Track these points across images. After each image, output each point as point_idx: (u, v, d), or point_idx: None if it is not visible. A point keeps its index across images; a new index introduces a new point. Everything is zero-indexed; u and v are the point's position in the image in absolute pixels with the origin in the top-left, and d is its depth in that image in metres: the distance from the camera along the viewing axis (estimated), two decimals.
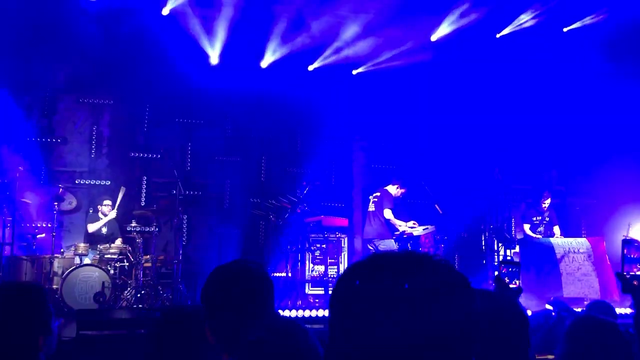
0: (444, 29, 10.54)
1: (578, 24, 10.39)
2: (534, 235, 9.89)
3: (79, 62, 9.70)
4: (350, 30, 10.47)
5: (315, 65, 11.05)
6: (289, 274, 9.10)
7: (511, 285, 2.80)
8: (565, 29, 10.54)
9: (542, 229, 9.93)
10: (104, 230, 8.99)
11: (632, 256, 2.26)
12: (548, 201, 9.92)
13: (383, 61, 11.05)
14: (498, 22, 10.49)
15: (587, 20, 10.21)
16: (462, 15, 10.19)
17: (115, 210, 9.09)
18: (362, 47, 10.71)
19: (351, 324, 1.01)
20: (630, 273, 2.28)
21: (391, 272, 1.02)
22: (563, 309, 6.27)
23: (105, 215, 9.06)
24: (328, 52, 10.82)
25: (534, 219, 10.02)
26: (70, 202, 9.42)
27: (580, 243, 9.15)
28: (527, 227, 10.09)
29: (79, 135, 10.17)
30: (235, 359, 1.79)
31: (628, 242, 2.30)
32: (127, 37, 9.51)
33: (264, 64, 10.82)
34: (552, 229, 9.90)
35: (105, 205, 9.10)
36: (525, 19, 10.24)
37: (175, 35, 9.82)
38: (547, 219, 9.97)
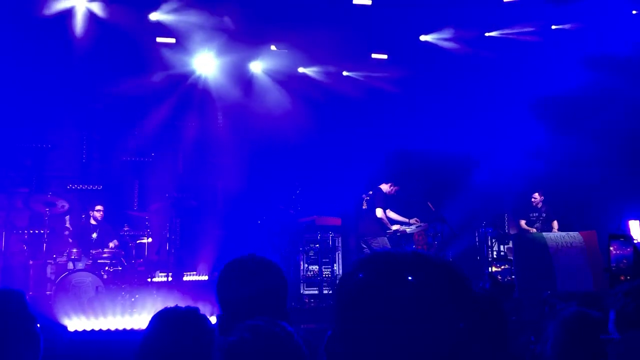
0: (433, 35, 10.59)
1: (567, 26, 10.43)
2: (529, 229, 9.94)
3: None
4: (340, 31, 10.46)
5: (306, 67, 11.06)
6: None
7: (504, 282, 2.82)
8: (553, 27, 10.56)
9: (539, 225, 9.98)
10: (94, 235, 8.93)
11: (618, 252, 2.27)
12: (538, 197, 9.99)
13: (370, 61, 11.07)
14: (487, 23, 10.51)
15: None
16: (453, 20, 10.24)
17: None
18: (352, 47, 10.69)
19: (356, 319, 1.06)
20: (617, 267, 2.29)
21: (396, 272, 1.06)
22: (556, 303, 6.30)
23: (97, 220, 9.00)
24: (318, 53, 10.79)
25: (531, 215, 10.08)
26: (62, 206, 9.37)
27: (573, 237, 9.17)
28: (523, 222, 10.14)
29: (70, 139, 10.14)
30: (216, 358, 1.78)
31: (614, 238, 2.31)
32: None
33: (253, 66, 10.84)
34: (551, 224, 9.96)
35: (97, 210, 9.04)
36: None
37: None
38: (544, 215, 10.02)
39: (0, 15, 8.65)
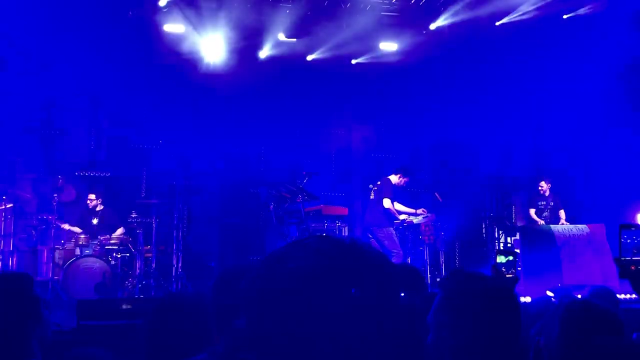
0: (443, 20, 10.50)
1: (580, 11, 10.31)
2: (538, 220, 9.90)
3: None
4: (349, 20, 10.42)
5: (315, 56, 11.01)
6: None
7: (508, 275, 2.81)
8: (565, 16, 10.44)
9: (548, 214, 9.95)
10: (95, 221, 8.92)
11: (629, 242, 2.25)
12: (545, 186, 9.96)
13: (382, 50, 11.01)
14: (498, 11, 10.40)
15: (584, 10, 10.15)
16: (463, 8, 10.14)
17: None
18: (361, 36, 10.63)
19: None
20: (627, 258, 2.27)
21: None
22: (564, 296, 6.27)
23: (92, 208, 9.00)
24: (327, 42, 10.75)
25: (540, 203, 10.05)
26: (70, 193, 9.39)
27: (581, 230, 9.13)
28: (532, 211, 10.11)
29: (79, 126, 10.16)
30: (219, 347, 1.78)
31: (626, 227, 2.29)
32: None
33: (263, 54, 10.79)
34: (558, 213, 9.92)
35: (89, 200, 9.04)
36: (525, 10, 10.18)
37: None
38: (552, 203, 9.99)
39: None
